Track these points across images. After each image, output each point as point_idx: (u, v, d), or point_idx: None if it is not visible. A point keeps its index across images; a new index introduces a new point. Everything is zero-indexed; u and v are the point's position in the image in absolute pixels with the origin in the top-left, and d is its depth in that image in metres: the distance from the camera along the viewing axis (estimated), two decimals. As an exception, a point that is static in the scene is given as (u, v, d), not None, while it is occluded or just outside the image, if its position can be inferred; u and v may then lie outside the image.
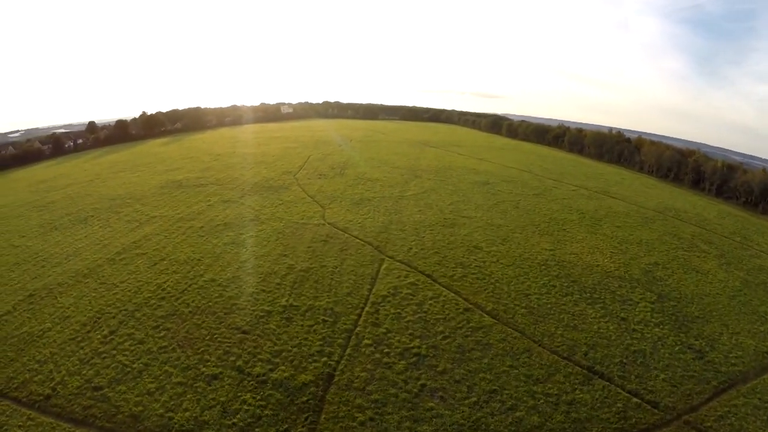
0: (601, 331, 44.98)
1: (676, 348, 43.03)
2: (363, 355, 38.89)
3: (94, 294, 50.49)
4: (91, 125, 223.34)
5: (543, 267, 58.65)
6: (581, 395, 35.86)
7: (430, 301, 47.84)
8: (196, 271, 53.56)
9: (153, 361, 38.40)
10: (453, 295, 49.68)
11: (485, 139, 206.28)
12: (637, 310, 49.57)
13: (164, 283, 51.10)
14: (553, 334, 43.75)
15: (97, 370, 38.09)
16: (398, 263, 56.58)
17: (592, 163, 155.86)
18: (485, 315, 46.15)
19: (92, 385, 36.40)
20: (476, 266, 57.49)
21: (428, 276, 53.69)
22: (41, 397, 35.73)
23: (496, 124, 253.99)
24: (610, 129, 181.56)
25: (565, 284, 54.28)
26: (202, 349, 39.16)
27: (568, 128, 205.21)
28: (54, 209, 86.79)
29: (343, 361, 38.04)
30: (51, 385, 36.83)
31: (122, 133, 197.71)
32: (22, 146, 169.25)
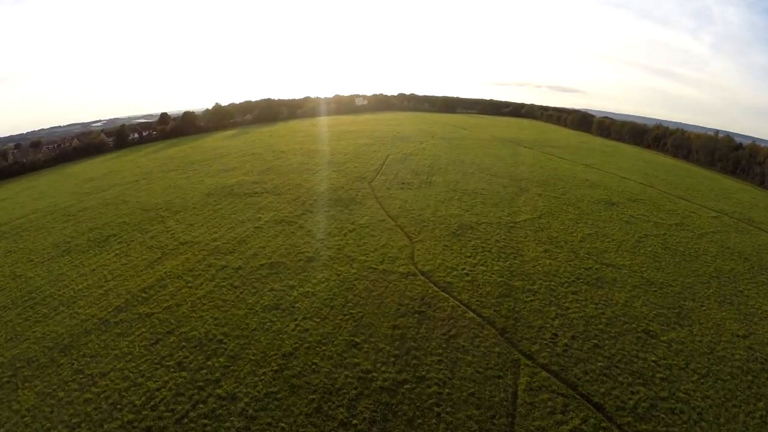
0: None
1: None
2: None
3: (61, 394, 31.40)
4: (163, 117, 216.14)
5: (749, 377, 33.07)
6: None
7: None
8: (210, 369, 32.04)
9: None
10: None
11: (577, 139, 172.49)
12: None
13: (157, 392, 30.21)
14: None
15: None
16: (544, 372, 32.18)
17: (707, 173, 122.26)
18: None
19: None
20: (662, 379, 32.06)
21: (599, 409, 28.95)
22: None
23: (584, 121, 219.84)
24: (716, 132, 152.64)
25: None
26: None
27: (666, 128, 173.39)
28: (81, 221, 71.14)
29: None
30: None
31: (189, 126, 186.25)
32: (87, 138, 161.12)
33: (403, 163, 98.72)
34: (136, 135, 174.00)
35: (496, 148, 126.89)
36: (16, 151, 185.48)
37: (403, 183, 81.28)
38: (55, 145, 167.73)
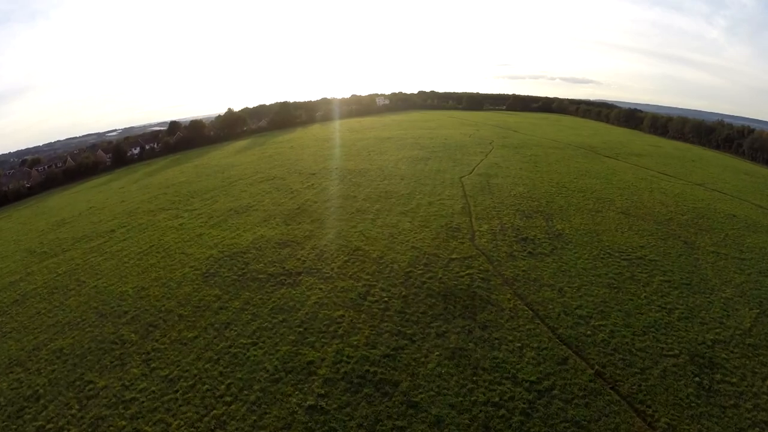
0: None
1: None
2: None
3: None
4: (173, 126, 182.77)
5: None
6: None
7: None
8: None
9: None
10: None
11: (642, 140, 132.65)
12: None
13: None
14: None
15: None
16: None
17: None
18: None
19: None
20: None
21: None
22: None
23: (632, 118, 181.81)
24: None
25: None
26: None
27: (730, 125, 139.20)
28: (6, 331, 38.29)
29: None
30: None
31: (197, 136, 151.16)
32: (80, 157, 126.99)
33: (491, 194, 63.17)
34: (138, 149, 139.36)
35: (581, 161, 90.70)
36: (11, 171, 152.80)
37: (524, 240, 45.95)
38: (44, 168, 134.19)
